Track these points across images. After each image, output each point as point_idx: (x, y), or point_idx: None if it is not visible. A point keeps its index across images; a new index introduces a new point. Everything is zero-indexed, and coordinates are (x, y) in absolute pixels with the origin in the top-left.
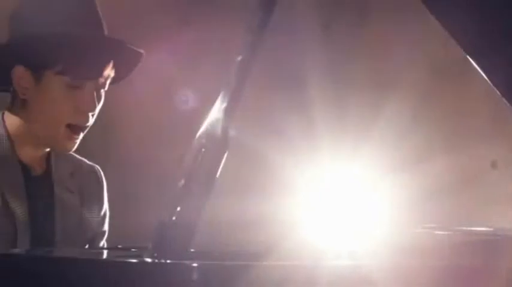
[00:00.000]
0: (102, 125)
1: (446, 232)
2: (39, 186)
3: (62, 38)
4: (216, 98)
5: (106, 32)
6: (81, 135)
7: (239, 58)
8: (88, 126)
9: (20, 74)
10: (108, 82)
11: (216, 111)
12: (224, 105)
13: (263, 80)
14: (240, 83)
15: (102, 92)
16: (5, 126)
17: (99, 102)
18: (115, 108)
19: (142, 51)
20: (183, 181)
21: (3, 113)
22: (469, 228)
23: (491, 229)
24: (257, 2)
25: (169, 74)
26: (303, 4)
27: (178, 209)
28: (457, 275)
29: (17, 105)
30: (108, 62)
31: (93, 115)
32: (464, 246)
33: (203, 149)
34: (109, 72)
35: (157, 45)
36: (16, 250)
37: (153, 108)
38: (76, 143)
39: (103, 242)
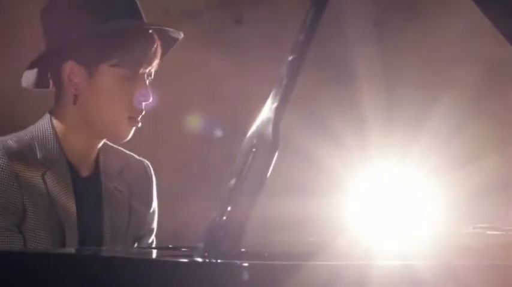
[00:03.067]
0: (153, 123)
1: (497, 232)
2: (87, 187)
3: (114, 31)
4: (267, 97)
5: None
6: (138, 125)
7: (290, 57)
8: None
9: (71, 69)
10: (154, 71)
11: (267, 110)
12: (275, 104)
13: (314, 78)
14: (290, 82)
15: (150, 80)
16: (53, 128)
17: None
18: (166, 106)
19: (181, 35)
20: (233, 181)
21: (50, 115)
22: None
23: None
24: None
25: (220, 73)
26: (353, 1)
27: (229, 208)
28: (508, 276)
29: (65, 103)
30: (158, 48)
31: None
32: None
33: (254, 149)
34: (159, 59)
35: (209, 44)
36: (68, 249)
37: (204, 106)
38: (131, 133)
39: (152, 239)
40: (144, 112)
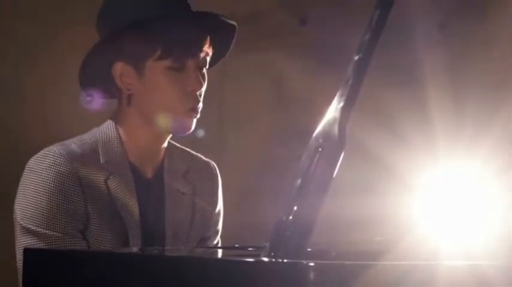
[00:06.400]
0: (219, 124)
1: None
2: (150, 188)
3: (153, 23)
4: (333, 97)
5: (192, 8)
6: (197, 116)
7: (356, 57)
8: (200, 107)
9: (121, 70)
10: (208, 60)
11: (333, 110)
12: (341, 104)
13: (380, 81)
14: (357, 82)
15: (205, 71)
16: (117, 131)
17: (204, 82)
18: (231, 107)
19: (234, 22)
20: (300, 180)
21: (112, 120)
22: None
23: None
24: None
25: (285, 73)
26: (419, 3)
27: (296, 208)
28: None
29: (124, 106)
30: (203, 37)
31: (200, 95)
32: None
33: (320, 149)
34: (207, 48)
35: (274, 45)
36: (134, 249)
37: (269, 107)
38: (194, 124)
39: (217, 240)
40: (200, 105)
